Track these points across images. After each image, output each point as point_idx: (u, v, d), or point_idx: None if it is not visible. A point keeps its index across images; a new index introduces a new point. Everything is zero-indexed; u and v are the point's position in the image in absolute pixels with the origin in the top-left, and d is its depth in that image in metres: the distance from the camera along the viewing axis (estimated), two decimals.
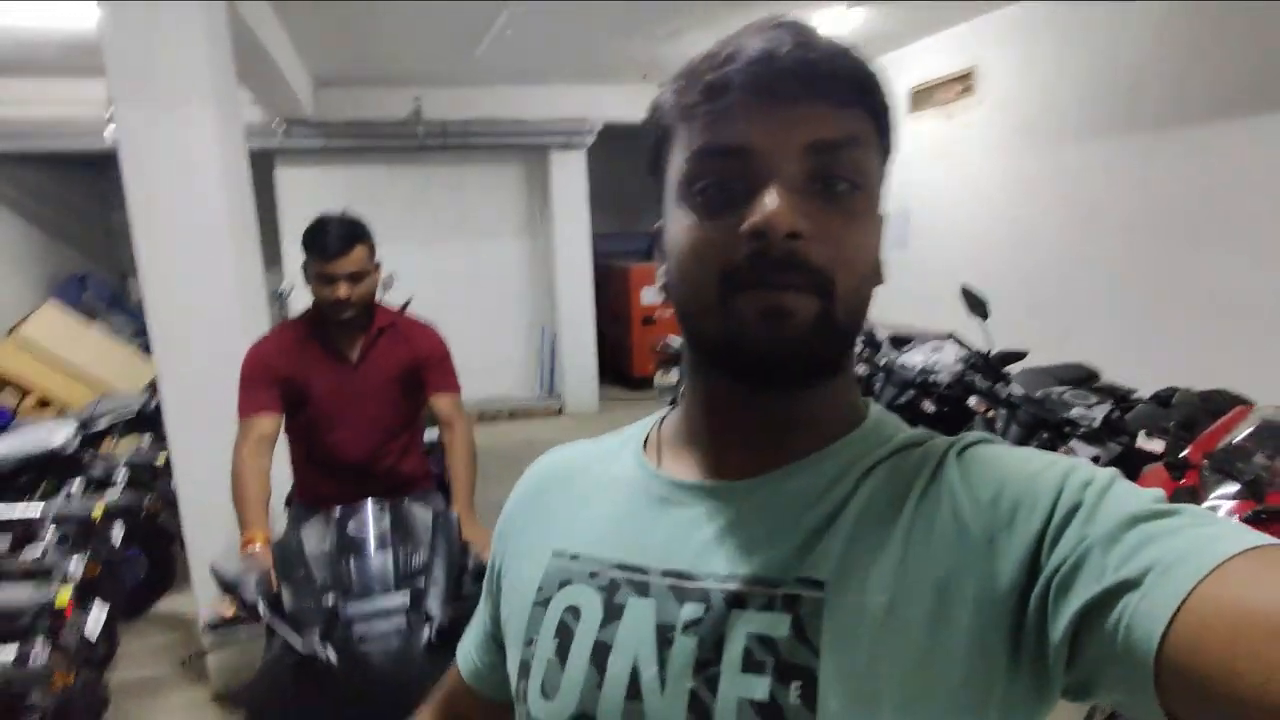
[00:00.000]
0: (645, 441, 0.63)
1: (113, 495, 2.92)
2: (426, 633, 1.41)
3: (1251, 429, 2.23)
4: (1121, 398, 3.07)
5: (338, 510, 1.71)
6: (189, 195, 2.57)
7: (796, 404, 0.55)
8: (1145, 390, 3.10)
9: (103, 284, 6.68)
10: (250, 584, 1.41)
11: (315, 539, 1.65)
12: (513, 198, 7.06)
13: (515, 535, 0.66)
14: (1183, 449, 2.26)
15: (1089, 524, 0.44)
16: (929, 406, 3.32)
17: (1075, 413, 2.73)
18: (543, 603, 0.58)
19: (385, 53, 5.21)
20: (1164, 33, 3.65)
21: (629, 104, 6.38)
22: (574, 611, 0.56)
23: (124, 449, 3.62)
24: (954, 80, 5.09)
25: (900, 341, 4.06)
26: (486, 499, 2.16)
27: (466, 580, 1.60)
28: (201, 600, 2.76)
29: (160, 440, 3.66)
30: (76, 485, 2.77)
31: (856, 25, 4.88)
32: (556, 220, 6.76)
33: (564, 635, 0.55)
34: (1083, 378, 3.33)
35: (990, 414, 3.00)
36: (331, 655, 1.35)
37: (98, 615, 1.96)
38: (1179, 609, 0.38)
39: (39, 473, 3.06)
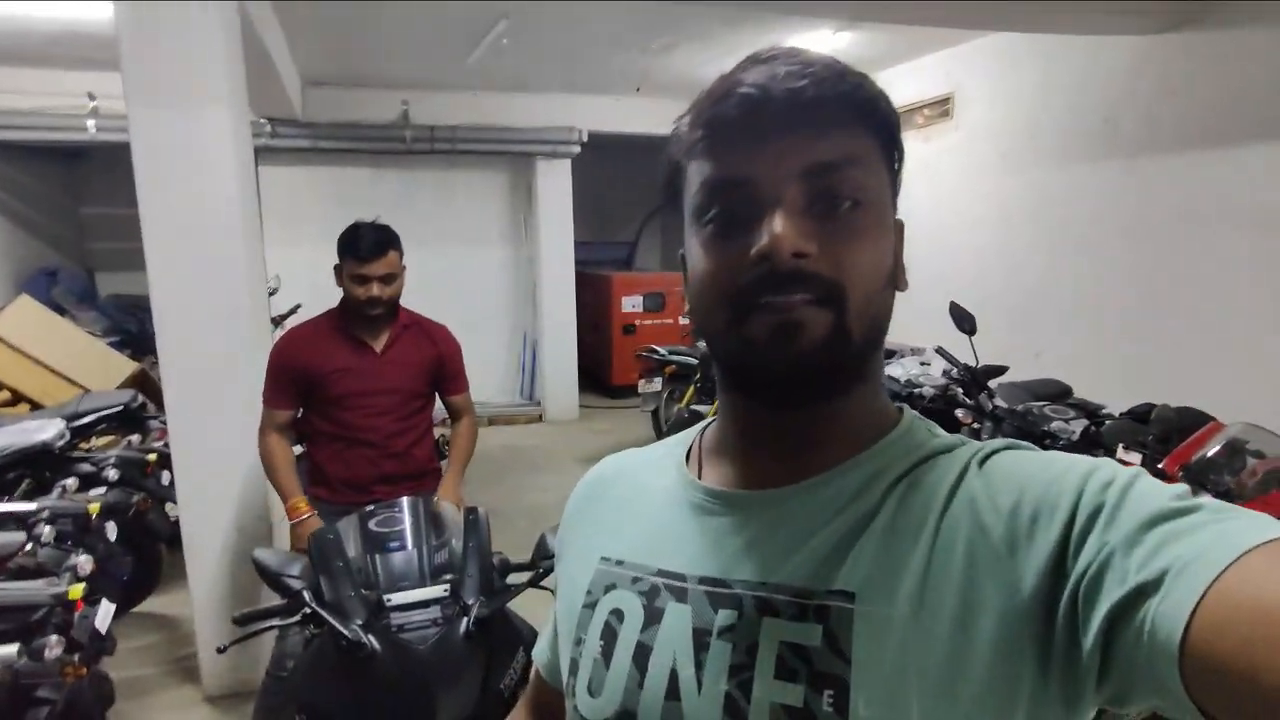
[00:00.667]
0: (689, 451, 0.65)
1: (104, 492, 2.87)
2: (465, 623, 1.45)
3: (1221, 444, 2.39)
4: (1092, 413, 3.22)
5: (369, 507, 1.74)
6: (201, 193, 2.58)
7: (818, 417, 0.56)
8: (1113, 406, 3.27)
9: (73, 279, 6.53)
10: (295, 573, 1.44)
11: (346, 533, 1.68)
12: (497, 204, 7.08)
13: (570, 540, 0.70)
14: (1159, 461, 2.41)
15: (1110, 528, 0.44)
16: None
17: (1055, 426, 2.87)
18: (590, 605, 0.61)
19: (378, 55, 5.22)
20: (1138, 66, 3.86)
21: (616, 115, 6.49)
22: (618, 614, 0.59)
23: (102, 446, 3.56)
24: (932, 104, 5.29)
25: (884, 354, 4.19)
26: (472, 498, 2.28)
27: (495, 576, 1.64)
28: (197, 597, 2.75)
29: (145, 437, 3.62)
30: (71, 482, 2.73)
31: (840, 49, 5.05)
32: (540, 228, 6.80)
33: (609, 637, 0.58)
34: (1057, 393, 3.48)
35: (976, 426, 3.12)
36: (375, 644, 1.39)
37: (106, 609, 1.95)
38: (1197, 607, 0.38)
39: (25, 469, 3.00)
